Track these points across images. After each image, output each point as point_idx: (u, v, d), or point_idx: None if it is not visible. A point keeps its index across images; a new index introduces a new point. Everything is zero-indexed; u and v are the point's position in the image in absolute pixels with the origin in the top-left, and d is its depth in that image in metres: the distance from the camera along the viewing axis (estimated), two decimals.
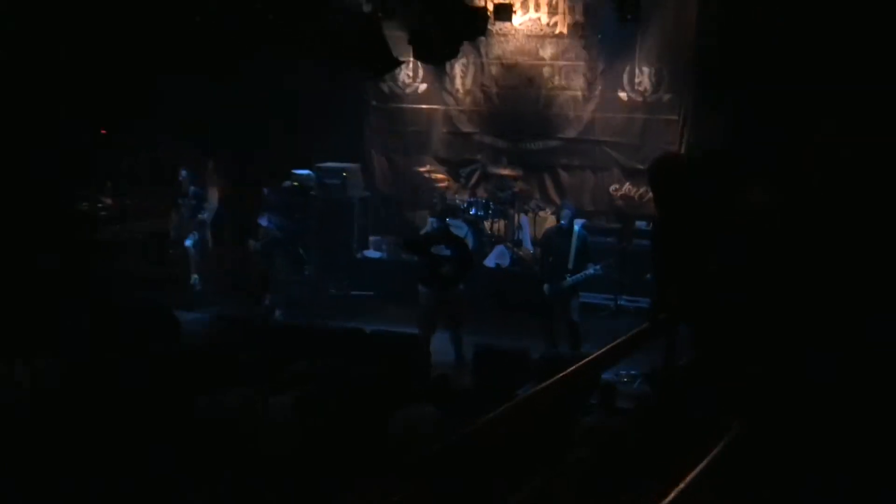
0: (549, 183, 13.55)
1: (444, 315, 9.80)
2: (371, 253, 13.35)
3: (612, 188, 13.23)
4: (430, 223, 10.14)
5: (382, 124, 14.26)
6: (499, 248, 12.70)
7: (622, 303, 11.56)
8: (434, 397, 6.45)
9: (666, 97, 12.85)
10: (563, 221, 9.99)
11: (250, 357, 7.31)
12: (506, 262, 12.53)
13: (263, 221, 11.50)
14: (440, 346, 9.72)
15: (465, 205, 12.92)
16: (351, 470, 5.33)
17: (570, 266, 9.75)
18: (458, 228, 11.75)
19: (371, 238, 13.60)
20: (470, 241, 11.52)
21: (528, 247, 12.90)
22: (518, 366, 8.39)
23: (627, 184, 13.14)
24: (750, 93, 9.68)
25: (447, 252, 9.72)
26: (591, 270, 9.73)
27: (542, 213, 13.20)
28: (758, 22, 9.75)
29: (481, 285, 11.02)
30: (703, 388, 4.85)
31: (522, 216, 13.11)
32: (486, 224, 13.00)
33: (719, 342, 4.84)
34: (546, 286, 9.78)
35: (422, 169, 13.82)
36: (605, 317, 11.38)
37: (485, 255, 12.54)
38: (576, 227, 10.04)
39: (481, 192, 13.37)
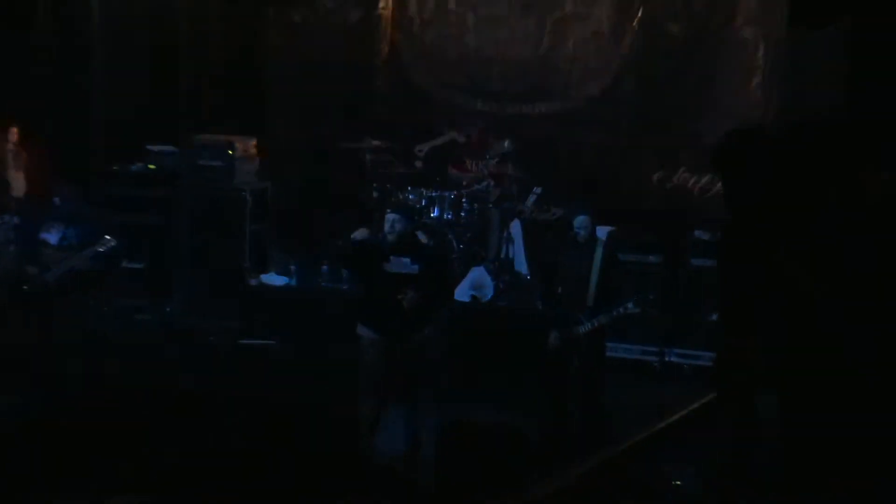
0: (555, 168, 13.66)
1: (398, 374, 9.65)
2: (272, 277, 13.39)
3: (655, 176, 13.37)
4: (390, 220, 9.73)
5: (292, 73, 14.38)
6: (476, 272, 12.77)
7: (671, 359, 11.67)
8: (378, 497, 6.52)
9: (745, 32, 13.03)
10: (577, 230, 10.07)
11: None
12: (487, 292, 12.62)
13: (52, 237, 11.11)
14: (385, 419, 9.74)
15: (424, 201, 13.02)
16: None
17: (589, 301, 9.84)
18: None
19: (273, 254, 13.64)
20: None
21: (523, 269, 13.00)
22: (508, 453, 8.45)
23: (682, 170, 13.28)
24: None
25: (414, 268, 9.59)
26: (622, 307, 9.83)
27: (543, 217, 13.30)
28: None
29: (450, 328, 11.08)
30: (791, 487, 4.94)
31: (514, 221, 13.20)
32: (456, 233, 13.09)
33: (823, 416, 4.91)
34: (553, 332, 9.86)
35: (355, 144, 13.88)
36: (644, 380, 11.49)
37: (455, 283, 12.61)
38: (599, 237, 10.14)
39: (448, 183, 13.48)
